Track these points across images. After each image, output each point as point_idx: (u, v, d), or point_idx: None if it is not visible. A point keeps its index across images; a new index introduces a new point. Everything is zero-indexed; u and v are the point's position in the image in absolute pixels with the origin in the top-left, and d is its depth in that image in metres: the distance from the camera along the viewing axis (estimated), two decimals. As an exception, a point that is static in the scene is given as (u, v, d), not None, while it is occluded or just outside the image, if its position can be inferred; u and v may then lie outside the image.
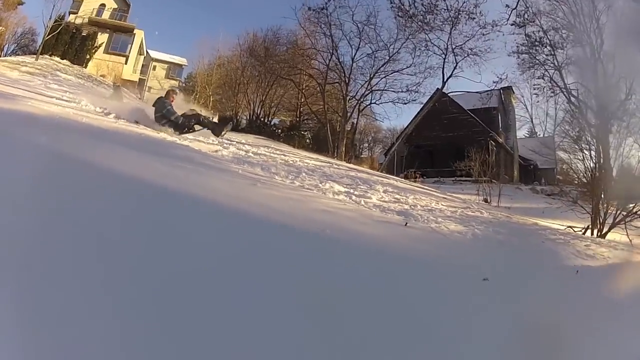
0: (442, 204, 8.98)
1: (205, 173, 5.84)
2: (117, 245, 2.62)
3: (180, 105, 11.00)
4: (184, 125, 10.21)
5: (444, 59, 25.99)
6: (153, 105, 10.36)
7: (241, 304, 2.39)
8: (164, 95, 10.91)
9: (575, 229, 11.80)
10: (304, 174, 8.02)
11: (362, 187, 8.45)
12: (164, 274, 2.44)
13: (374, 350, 2.34)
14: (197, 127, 10.46)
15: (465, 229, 6.67)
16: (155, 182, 4.21)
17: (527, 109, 33.04)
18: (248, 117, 30.69)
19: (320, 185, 7.30)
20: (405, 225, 5.73)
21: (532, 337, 2.77)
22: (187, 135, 9.78)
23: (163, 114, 10.09)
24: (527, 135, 36.24)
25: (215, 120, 11.86)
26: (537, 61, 27.20)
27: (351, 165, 14.26)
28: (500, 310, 3.31)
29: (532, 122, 34.96)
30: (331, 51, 27.38)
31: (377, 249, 4.32)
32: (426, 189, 12.92)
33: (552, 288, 4.42)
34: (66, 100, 8.90)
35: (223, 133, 10.98)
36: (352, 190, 7.59)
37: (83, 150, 4.60)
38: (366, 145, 44.01)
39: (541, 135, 36.28)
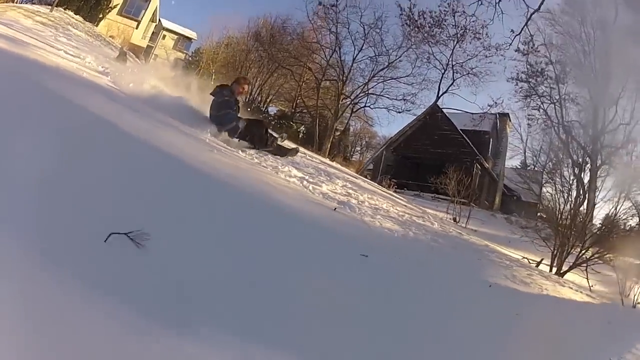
0: (395, 208, 9.01)
1: (171, 133, 5.85)
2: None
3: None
4: (246, 136, 7.74)
5: (443, 73, 26.51)
6: (211, 94, 7.96)
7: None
8: (230, 84, 8.23)
9: (531, 261, 11.75)
10: (269, 155, 7.96)
11: (321, 177, 8.44)
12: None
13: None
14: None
15: (400, 229, 6.68)
16: (120, 128, 4.36)
17: (521, 139, 33.08)
18: (243, 100, 30.75)
19: (279, 167, 7.29)
20: (334, 210, 5.75)
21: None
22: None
23: (220, 117, 7.68)
24: (519, 167, 36.11)
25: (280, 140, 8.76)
26: (534, 92, 27.46)
27: (325, 160, 14.28)
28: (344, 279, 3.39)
29: (524, 154, 34.95)
30: (334, 48, 27.72)
31: (286, 212, 4.54)
32: (390, 194, 12.99)
33: (435, 287, 4.49)
34: (72, 55, 8.90)
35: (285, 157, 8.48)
36: (308, 177, 7.58)
37: (76, 96, 4.85)
38: (358, 149, 44.13)
39: (531, 169, 36.24)
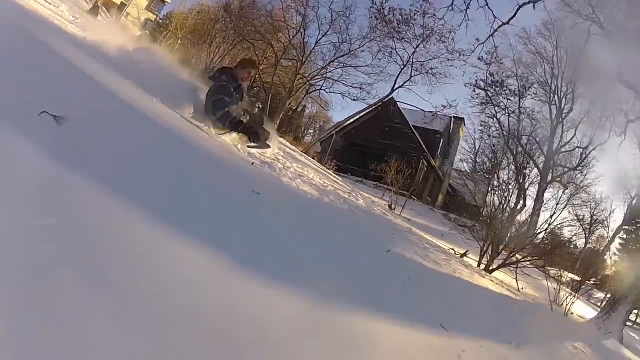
0: (322, 180, 8.92)
1: (126, 76, 5.59)
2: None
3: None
4: (239, 126, 6.62)
5: (402, 69, 26.77)
6: (210, 78, 7.01)
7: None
8: (234, 67, 7.02)
9: (457, 253, 11.53)
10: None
11: (254, 144, 8.28)
12: None
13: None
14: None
15: (317, 194, 6.54)
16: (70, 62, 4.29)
17: (474, 144, 33.62)
18: (202, 68, 30.40)
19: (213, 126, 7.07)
20: (252, 164, 5.62)
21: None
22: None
23: (214, 104, 6.51)
24: (469, 171, 36.77)
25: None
26: (491, 101, 28.26)
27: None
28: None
29: (475, 160, 35.58)
30: (298, 29, 27.73)
31: (196, 149, 4.60)
32: (324, 170, 13.02)
33: (324, 239, 4.52)
34: (47, 2, 9.18)
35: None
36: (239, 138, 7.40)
37: (39, 33, 4.82)
38: (311, 132, 44.43)
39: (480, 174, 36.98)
